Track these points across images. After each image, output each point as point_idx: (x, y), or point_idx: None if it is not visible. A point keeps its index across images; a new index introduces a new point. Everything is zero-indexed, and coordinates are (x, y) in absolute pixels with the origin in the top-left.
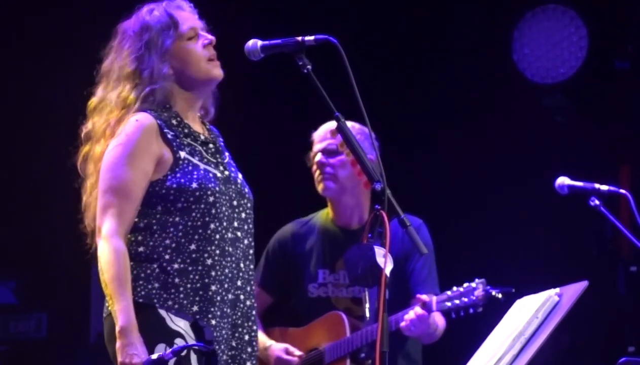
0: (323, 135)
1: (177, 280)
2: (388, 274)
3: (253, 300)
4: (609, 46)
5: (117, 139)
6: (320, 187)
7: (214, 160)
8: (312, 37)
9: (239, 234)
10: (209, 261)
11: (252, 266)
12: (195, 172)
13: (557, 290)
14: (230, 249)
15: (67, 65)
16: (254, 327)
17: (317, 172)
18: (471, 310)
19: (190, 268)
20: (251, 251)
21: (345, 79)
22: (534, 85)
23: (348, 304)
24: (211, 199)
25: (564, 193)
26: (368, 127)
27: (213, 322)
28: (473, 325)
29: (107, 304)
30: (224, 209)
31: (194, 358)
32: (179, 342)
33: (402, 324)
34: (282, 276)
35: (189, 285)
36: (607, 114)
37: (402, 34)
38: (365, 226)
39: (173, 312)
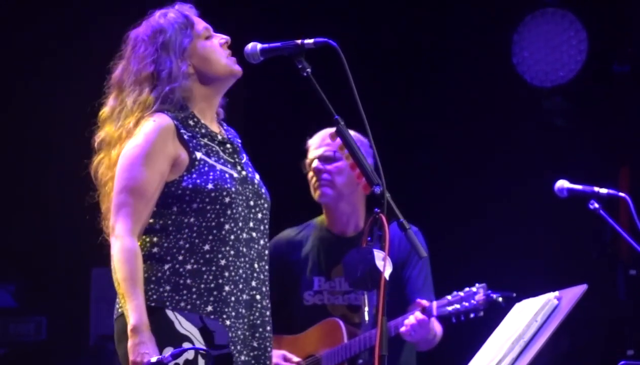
0: (319, 142)
1: (189, 281)
2: (387, 278)
3: (268, 301)
4: (609, 49)
5: (133, 139)
6: (317, 194)
7: (232, 160)
8: (311, 40)
9: (254, 234)
10: (223, 262)
11: (267, 267)
12: (211, 173)
13: (557, 293)
14: (245, 250)
15: (70, 69)
16: (269, 328)
17: (314, 178)
18: (472, 315)
19: (203, 268)
20: (266, 252)
21: (345, 82)
22: (533, 88)
23: (344, 312)
24: (227, 199)
25: (564, 196)
26: (367, 130)
27: (227, 322)
28: (472, 329)
29: (117, 306)
30: (240, 209)
31: (201, 362)
32: (186, 346)
33: (403, 329)
34: (277, 283)
35: (202, 286)
36: (606, 117)
37: (401, 37)
38: (364, 230)
39: (185, 313)
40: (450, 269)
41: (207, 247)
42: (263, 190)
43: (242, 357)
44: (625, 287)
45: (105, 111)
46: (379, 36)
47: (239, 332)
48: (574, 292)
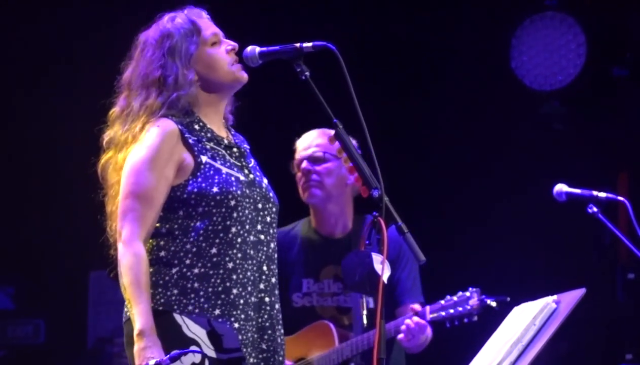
0: (308, 142)
1: (196, 284)
2: (385, 281)
3: (278, 304)
4: (607, 53)
5: (139, 145)
6: (305, 195)
7: (238, 164)
8: (310, 44)
9: (262, 237)
10: (230, 265)
11: (277, 270)
12: (216, 176)
13: (555, 297)
14: (252, 252)
15: (72, 71)
16: (278, 331)
17: (303, 179)
18: (466, 320)
19: (211, 272)
20: (276, 255)
21: (343, 85)
22: (532, 92)
23: (333, 313)
24: (232, 202)
25: (562, 200)
26: (366, 134)
27: (236, 325)
28: (469, 333)
29: (126, 309)
30: (246, 212)
31: None
32: (194, 349)
33: (400, 335)
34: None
35: (210, 289)
36: (605, 121)
37: (400, 41)
38: (363, 234)
39: (192, 317)
40: (449, 272)
41: (214, 250)
42: (271, 194)
43: (252, 360)
44: (624, 290)
45: (115, 111)
46: (378, 40)
47: (249, 335)
48: (573, 296)
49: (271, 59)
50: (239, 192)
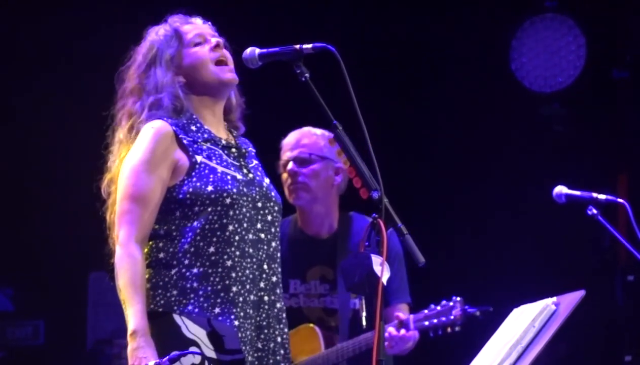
0: (294, 143)
1: (195, 284)
2: (385, 283)
3: (282, 303)
4: (607, 55)
5: (134, 147)
6: (292, 197)
7: (237, 163)
8: (309, 45)
9: (262, 235)
10: (229, 263)
11: (279, 269)
12: (211, 175)
13: (554, 299)
14: (251, 251)
15: (72, 77)
16: (286, 330)
17: (289, 181)
18: (449, 330)
19: (210, 271)
20: (278, 254)
21: (343, 87)
22: (532, 94)
23: (320, 315)
24: (228, 200)
25: (562, 202)
26: (365, 135)
27: (236, 322)
28: (468, 335)
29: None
30: (244, 210)
31: None
32: (193, 350)
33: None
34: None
35: (209, 288)
36: (605, 123)
37: (400, 42)
38: (363, 235)
39: (193, 317)
40: (448, 273)
41: (212, 249)
42: (273, 194)
43: (250, 358)
44: (623, 292)
45: (110, 134)
46: (378, 41)
47: (247, 333)
48: (572, 298)
49: (271, 60)
50: (234, 190)
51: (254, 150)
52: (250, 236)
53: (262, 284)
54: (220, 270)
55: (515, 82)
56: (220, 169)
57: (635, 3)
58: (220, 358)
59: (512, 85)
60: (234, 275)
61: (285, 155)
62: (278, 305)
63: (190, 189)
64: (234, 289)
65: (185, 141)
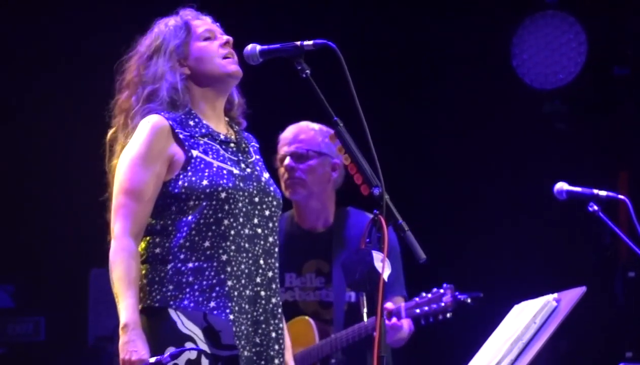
0: (292, 138)
1: (191, 278)
2: (386, 279)
3: (279, 298)
4: (608, 52)
5: (131, 141)
6: (288, 192)
7: (234, 158)
8: (310, 42)
9: (259, 230)
10: (224, 257)
11: (276, 264)
12: (207, 170)
13: (555, 295)
14: (247, 245)
15: (72, 74)
16: (281, 325)
17: (286, 176)
18: (440, 317)
19: (205, 265)
20: (276, 249)
21: (344, 84)
22: (533, 91)
23: (315, 308)
24: (223, 195)
25: (563, 198)
26: (366, 132)
27: (231, 317)
28: (469, 331)
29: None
30: (240, 205)
31: (205, 362)
32: (188, 346)
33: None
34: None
35: (204, 282)
36: (606, 120)
37: (400, 40)
38: (364, 231)
39: (188, 312)
40: (449, 270)
41: (207, 243)
42: (272, 188)
43: (245, 353)
44: (624, 289)
45: (109, 132)
46: (378, 38)
47: (243, 327)
48: (573, 294)
49: (272, 57)
50: (230, 184)
51: (257, 145)
52: (247, 231)
53: (258, 279)
54: (215, 264)
55: (516, 79)
56: (216, 163)
57: (636, 0)
58: (216, 353)
59: (512, 82)
60: (229, 269)
61: (283, 149)
62: (273, 300)
63: (186, 184)
64: (229, 283)
65: (181, 136)
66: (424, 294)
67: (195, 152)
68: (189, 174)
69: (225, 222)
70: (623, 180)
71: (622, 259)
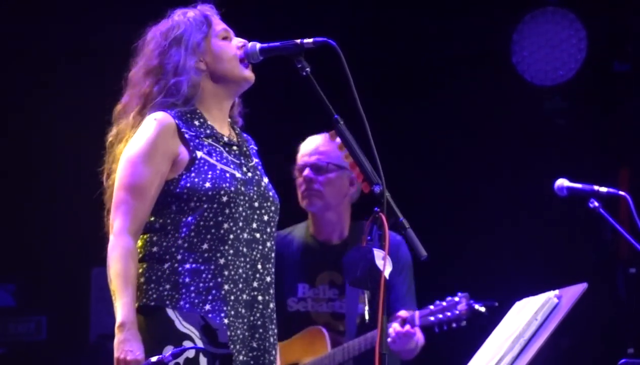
0: (313, 149)
1: (187, 279)
2: (387, 276)
3: (273, 303)
4: (608, 48)
5: (135, 138)
6: (305, 202)
7: (237, 162)
8: (310, 40)
9: (257, 235)
10: (222, 261)
11: (273, 269)
12: (210, 172)
13: (557, 292)
14: (245, 250)
15: (73, 72)
16: (271, 330)
17: (304, 186)
18: (454, 325)
19: (202, 267)
20: (273, 254)
21: (344, 82)
22: (533, 87)
23: (327, 319)
24: (224, 198)
25: (563, 195)
26: (367, 130)
27: (226, 321)
28: (471, 329)
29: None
30: (240, 209)
31: (203, 361)
32: (187, 344)
33: (388, 339)
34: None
35: (200, 284)
36: (606, 116)
37: (400, 37)
38: (364, 229)
39: (184, 312)
40: (450, 267)
41: (205, 246)
42: (271, 193)
43: (241, 357)
44: (625, 285)
45: (117, 108)
46: (378, 35)
47: (238, 332)
48: (574, 291)
49: (272, 55)
50: (232, 188)
51: (255, 148)
52: (245, 235)
53: (255, 284)
54: (212, 267)
55: (516, 76)
56: (219, 166)
57: None
58: (212, 351)
59: (513, 79)
60: (226, 273)
61: (302, 159)
62: (271, 305)
63: (188, 184)
64: (226, 287)
65: (187, 135)
66: (437, 302)
67: (199, 153)
68: (192, 174)
69: (225, 225)
70: (624, 176)
71: (623, 255)
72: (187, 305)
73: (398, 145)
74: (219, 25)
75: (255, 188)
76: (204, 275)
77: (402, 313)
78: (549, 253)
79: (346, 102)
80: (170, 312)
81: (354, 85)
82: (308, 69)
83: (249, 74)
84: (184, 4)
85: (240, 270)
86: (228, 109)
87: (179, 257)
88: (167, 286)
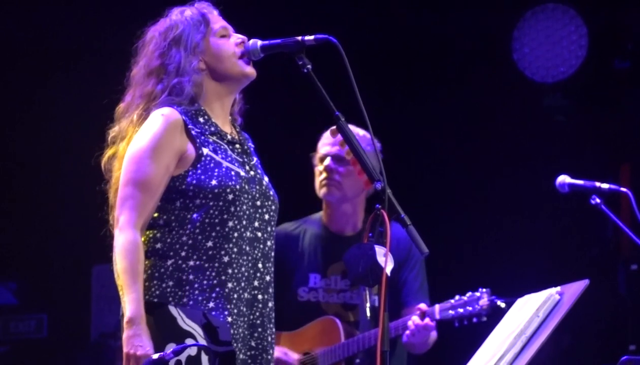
0: (335, 139)
1: (191, 276)
2: (389, 273)
3: (272, 302)
4: (609, 45)
5: (141, 133)
6: (322, 191)
7: (240, 160)
8: (312, 37)
9: (259, 234)
10: (226, 258)
11: (273, 268)
12: (216, 170)
13: (558, 288)
14: (248, 248)
15: (74, 71)
16: (269, 329)
17: (324, 175)
18: (474, 320)
19: (206, 265)
20: (272, 253)
21: (346, 79)
22: (533, 84)
23: (338, 310)
24: (230, 196)
25: (565, 191)
26: (368, 127)
27: (229, 319)
28: (472, 325)
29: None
30: (244, 207)
31: (205, 359)
32: (189, 342)
33: (407, 332)
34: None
35: (204, 282)
36: (607, 113)
37: (401, 34)
38: (366, 226)
39: (188, 308)
40: (452, 264)
41: (210, 243)
42: (271, 192)
43: (241, 356)
44: (627, 282)
45: (120, 107)
46: (379, 32)
47: (240, 330)
48: (576, 288)
49: (273, 52)
50: (237, 186)
51: (253, 146)
52: (248, 234)
53: (256, 283)
54: (217, 265)
55: (517, 73)
56: (225, 163)
57: None
58: (214, 349)
59: (513, 75)
60: (230, 271)
61: (324, 149)
62: (270, 304)
63: (194, 181)
64: (230, 285)
65: (193, 132)
66: (458, 297)
67: (205, 150)
68: (199, 171)
69: (230, 223)
70: (625, 172)
71: (624, 251)
72: (191, 303)
73: (398, 142)
74: (217, 23)
75: (257, 187)
76: (207, 273)
77: (422, 306)
78: (551, 250)
79: (347, 99)
80: (172, 309)
81: (355, 82)
82: (309, 66)
83: (249, 70)
84: (182, 2)
85: (243, 269)
86: (229, 106)
87: (183, 253)
88: (170, 283)
